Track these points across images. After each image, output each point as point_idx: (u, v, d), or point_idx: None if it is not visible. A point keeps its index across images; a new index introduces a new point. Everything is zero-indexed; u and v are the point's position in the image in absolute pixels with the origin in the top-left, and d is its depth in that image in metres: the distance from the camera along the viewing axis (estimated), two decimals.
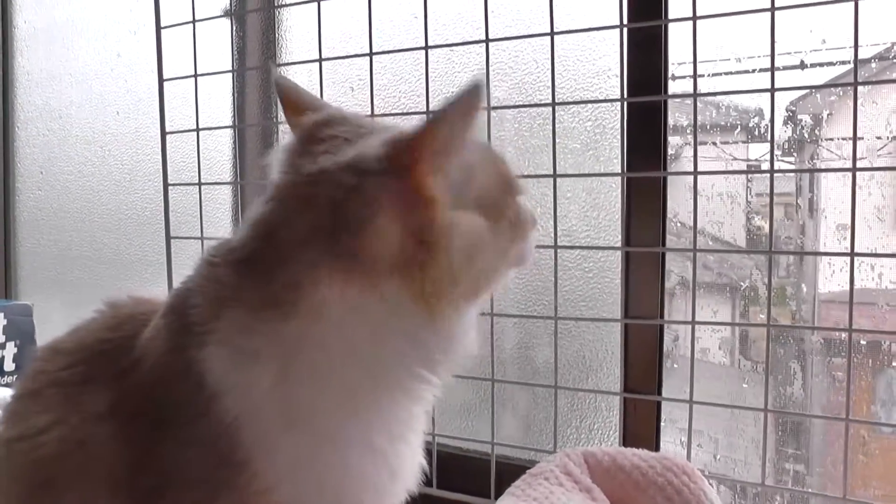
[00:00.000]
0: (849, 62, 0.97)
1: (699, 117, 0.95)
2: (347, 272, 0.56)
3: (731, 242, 1.11)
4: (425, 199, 0.56)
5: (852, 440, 1.06)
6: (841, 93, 1.04)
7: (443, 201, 0.56)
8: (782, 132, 1.07)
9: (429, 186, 0.56)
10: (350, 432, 0.57)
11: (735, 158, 1.13)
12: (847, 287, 0.99)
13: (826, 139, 1.07)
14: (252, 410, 0.55)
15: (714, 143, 1.10)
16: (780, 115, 1.07)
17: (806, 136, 1.06)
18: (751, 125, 1.10)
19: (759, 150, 1.12)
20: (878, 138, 0.99)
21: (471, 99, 0.55)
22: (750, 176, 1.11)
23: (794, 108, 1.07)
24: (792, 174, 1.11)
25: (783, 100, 1.06)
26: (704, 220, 1.06)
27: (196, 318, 0.58)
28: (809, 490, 1.05)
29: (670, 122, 1.02)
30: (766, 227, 1.11)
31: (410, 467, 0.63)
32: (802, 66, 1.02)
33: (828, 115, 1.05)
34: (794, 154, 1.10)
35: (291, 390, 0.56)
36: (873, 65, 1.01)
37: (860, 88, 0.86)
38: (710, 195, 1.09)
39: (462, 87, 0.54)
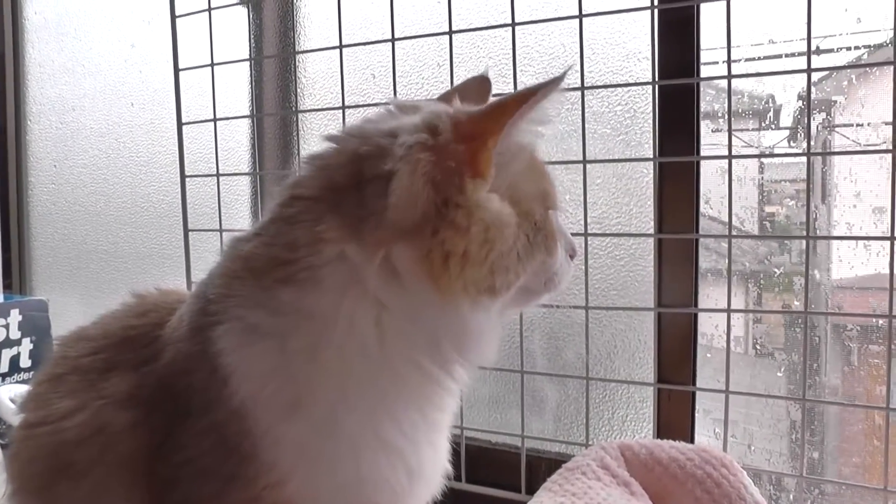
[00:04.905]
0: (863, 47, 0.98)
1: (711, 106, 0.91)
2: (352, 230, 0.53)
3: (741, 228, 1.08)
4: (474, 171, 0.53)
5: (868, 426, 1.04)
6: (853, 77, 1.01)
7: (488, 178, 0.54)
8: (795, 119, 1.04)
9: (484, 161, 0.53)
10: (355, 425, 0.53)
11: (748, 145, 1.10)
12: (861, 272, 0.97)
13: (840, 125, 1.04)
14: (255, 394, 0.53)
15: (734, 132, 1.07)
16: (792, 101, 1.05)
17: (820, 121, 1.04)
18: (762, 112, 1.07)
19: (769, 138, 1.10)
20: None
21: (552, 85, 0.54)
22: (762, 164, 1.08)
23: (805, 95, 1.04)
24: (802, 160, 1.08)
25: (796, 86, 1.03)
26: (719, 207, 1.03)
27: (213, 297, 0.56)
28: (850, 482, 1.02)
29: None
30: (780, 213, 1.10)
31: (432, 470, 0.59)
32: (818, 51, 0.98)
33: (844, 99, 1.03)
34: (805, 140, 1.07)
35: (288, 371, 0.53)
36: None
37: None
38: (718, 183, 1.05)
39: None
